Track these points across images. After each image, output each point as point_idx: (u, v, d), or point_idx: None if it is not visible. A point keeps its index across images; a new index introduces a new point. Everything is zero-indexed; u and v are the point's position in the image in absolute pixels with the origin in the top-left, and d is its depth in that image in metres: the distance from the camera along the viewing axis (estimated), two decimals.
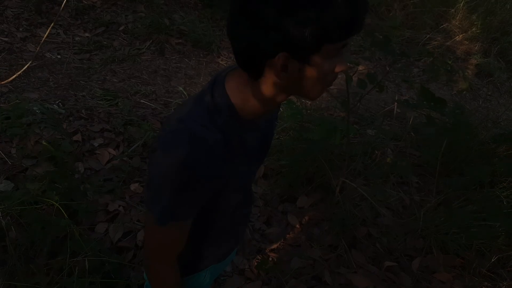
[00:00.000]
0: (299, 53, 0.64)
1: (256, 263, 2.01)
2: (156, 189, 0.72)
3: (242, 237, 1.11)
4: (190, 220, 0.79)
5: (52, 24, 2.72)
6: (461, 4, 5.19)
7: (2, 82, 2.77)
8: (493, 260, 2.10)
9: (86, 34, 3.74)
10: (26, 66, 2.68)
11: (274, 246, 2.14)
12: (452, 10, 5.24)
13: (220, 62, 4.01)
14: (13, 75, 2.88)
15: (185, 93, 3.34)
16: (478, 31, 5.04)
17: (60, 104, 2.75)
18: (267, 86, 0.70)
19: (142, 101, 3.08)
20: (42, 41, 2.59)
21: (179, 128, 0.71)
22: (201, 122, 0.71)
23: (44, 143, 2.14)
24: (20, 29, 3.52)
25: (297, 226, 2.27)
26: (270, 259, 2.07)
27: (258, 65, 0.67)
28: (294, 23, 0.60)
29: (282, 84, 0.69)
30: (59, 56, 3.40)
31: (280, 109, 2.89)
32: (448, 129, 2.46)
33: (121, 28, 3.89)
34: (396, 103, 3.30)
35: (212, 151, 0.70)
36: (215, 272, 1.09)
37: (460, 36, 5.04)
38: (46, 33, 2.63)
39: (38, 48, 2.67)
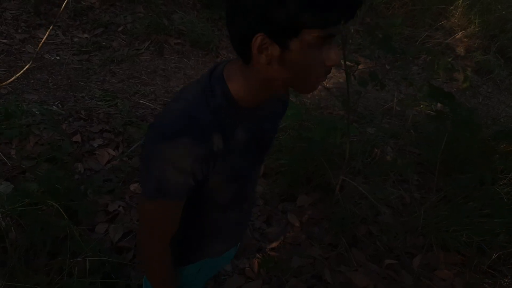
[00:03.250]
0: (277, 36, 0.64)
1: (257, 262, 2.01)
2: (146, 163, 0.74)
3: (241, 237, 1.10)
4: (180, 201, 0.79)
5: (51, 26, 2.72)
6: (460, 2, 5.18)
7: (1, 84, 2.77)
8: (493, 257, 2.10)
9: (85, 35, 3.74)
10: (25, 68, 2.68)
11: (274, 245, 2.14)
12: (451, 7, 5.23)
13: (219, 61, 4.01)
14: (12, 76, 2.88)
15: None
16: (477, 29, 5.03)
17: (59, 105, 2.76)
18: (257, 71, 0.71)
19: (141, 101, 3.08)
20: (41, 43, 2.59)
21: (173, 107, 0.73)
22: (196, 104, 0.73)
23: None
24: (19, 31, 3.52)
25: (297, 225, 2.27)
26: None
27: (244, 49, 0.69)
28: (271, 4, 0.61)
29: (269, 69, 0.70)
30: (58, 57, 3.40)
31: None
32: (458, 123, 2.43)
33: (120, 29, 3.89)
34: (395, 101, 3.30)
35: (201, 130, 0.71)
36: (211, 268, 1.08)
37: (460, 33, 5.03)
38: (46, 35, 2.64)
39: (38, 49, 2.67)
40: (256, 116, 0.82)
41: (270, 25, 0.63)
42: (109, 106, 2.88)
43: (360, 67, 2.14)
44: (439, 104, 3.62)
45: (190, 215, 0.90)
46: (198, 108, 0.72)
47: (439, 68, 4.03)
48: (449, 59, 4.60)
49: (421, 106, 3.54)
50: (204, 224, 0.94)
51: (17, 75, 2.80)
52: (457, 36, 5.03)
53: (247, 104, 0.77)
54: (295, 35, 0.64)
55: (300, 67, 0.68)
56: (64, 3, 2.81)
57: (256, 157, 0.90)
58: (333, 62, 0.69)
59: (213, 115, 0.73)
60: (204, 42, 4.02)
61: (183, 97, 0.75)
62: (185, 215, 0.87)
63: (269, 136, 0.91)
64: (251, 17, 0.64)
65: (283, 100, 0.94)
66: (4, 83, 2.76)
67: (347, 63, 1.97)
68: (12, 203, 1.82)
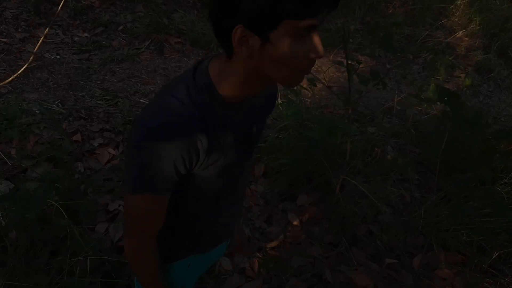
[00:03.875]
0: (257, 27, 0.64)
1: (257, 262, 2.01)
2: (130, 157, 0.73)
3: (231, 232, 1.09)
4: (165, 196, 0.78)
5: (48, 26, 2.72)
6: (460, 0, 5.18)
7: (1, 84, 2.77)
8: (494, 256, 2.10)
9: (85, 34, 3.74)
10: (24, 67, 2.68)
11: (274, 244, 2.14)
12: (451, 6, 5.23)
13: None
14: (12, 75, 2.88)
15: None
16: (477, 28, 5.03)
17: (59, 104, 2.75)
18: (239, 64, 0.71)
19: (141, 100, 3.08)
20: (39, 42, 2.59)
21: (159, 102, 0.73)
22: (178, 97, 0.72)
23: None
24: (19, 30, 3.52)
25: (297, 224, 2.27)
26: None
27: (226, 42, 0.68)
28: None
29: (251, 62, 0.69)
30: (58, 57, 3.40)
31: (280, 107, 2.90)
32: (462, 123, 2.42)
33: (120, 28, 3.89)
34: (395, 100, 3.29)
35: (185, 125, 0.71)
36: (201, 264, 1.07)
37: (460, 32, 5.03)
38: (43, 34, 2.64)
39: (36, 48, 2.67)
40: (242, 111, 0.81)
41: (248, 16, 0.63)
42: (109, 105, 2.88)
43: (361, 66, 2.14)
44: (438, 104, 3.61)
45: (178, 211, 0.89)
46: (182, 103, 0.72)
47: (440, 67, 4.02)
48: (450, 58, 4.60)
49: (424, 105, 3.53)
50: (192, 220, 0.94)
51: (16, 74, 2.80)
52: (457, 35, 5.03)
53: (233, 99, 0.76)
54: (275, 26, 0.63)
55: (282, 60, 0.67)
56: (62, 3, 2.81)
57: (244, 152, 0.89)
58: (317, 54, 0.68)
59: (198, 110, 0.73)
60: (204, 41, 4.01)
61: (167, 92, 0.74)
62: (172, 211, 0.87)
63: (257, 131, 0.90)
64: (230, 9, 0.63)
65: (271, 94, 0.94)
66: (4, 82, 2.75)
67: (349, 62, 1.97)
68: (12, 202, 1.82)
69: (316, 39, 0.67)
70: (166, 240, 0.95)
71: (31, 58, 2.68)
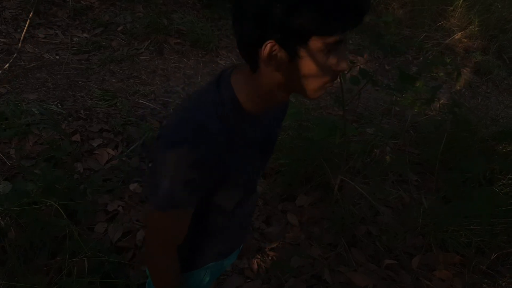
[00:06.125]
0: (286, 43, 0.64)
1: (256, 262, 2.01)
2: (158, 175, 0.73)
3: (244, 239, 1.10)
4: (191, 210, 0.79)
5: (28, 22, 2.66)
6: (460, 2, 5.19)
7: None
8: (492, 257, 2.10)
9: (85, 35, 3.73)
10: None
11: (274, 245, 2.14)
12: (451, 8, 5.24)
13: (219, 61, 4.01)
14: (12, 76, 2.87)
15: (183, 93, 3.34)
16: (476, 29, 5.04)
17: (58, 104, 2.75)
18: (264, 78, 0.71)
19: (141, 101, 3.08)
20: (21, 37, 2.55)
21: (184, 117, 0.73)
22: (205, 112, 0.72)
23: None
24: (18, 30, 3.51)
25: (297, 225, 2.27)
26: (270, 258, 2.06)
27: (252, 56, 0.69)
28: (280, 12, 0.61)
29: (277, 76, 0.70)
30: (57, 57, 3.39)
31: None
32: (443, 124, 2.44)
33: (119, 28, 3.89)
34: (394, 101, 3.30)
35: (214, 140, 0.71)
36: (215, 272, 1.08)
37: (459, 34, 5.04)
38: (24, 30, 2.59)
39: (19, 44, 2.64)
40: (262, 122, 0.82)
41: (280, 32, 0.63)
42: (109, 105, 2.88)
43: (359, 66, 2.14)
44: (438, 105, 3.62)
45: (197, 221, 0.90)
46: (207, 117, 0.72)
47: (431, 65, 4.01)
48: (448, 59, 4.61)
49: (416, 107, 3.53)
50: (211, 230, 0.94)
51: None
52: (456, 37, 5.04)
53: (255, 111, 0.77)
54: (305, 42, 0.64)
55: (309, 73, 0.68)
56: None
57: (261, 162, 0.91)
58: (342, 67, 0.69)
59: (222, 123, 0.73)
60: (204, 42, 4.01)
61: (191, 106, 0.74)
62: (192, 221, 0.87)
63: (273, 141, 0.92)
64: (262, 24, 0.63)
65: (284, 103, 0.95)
66: None
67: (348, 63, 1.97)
68: (11, 202, 1.82)
69: (342, 53, 0.68)
70: (186, 249, 0.95)
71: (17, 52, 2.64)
